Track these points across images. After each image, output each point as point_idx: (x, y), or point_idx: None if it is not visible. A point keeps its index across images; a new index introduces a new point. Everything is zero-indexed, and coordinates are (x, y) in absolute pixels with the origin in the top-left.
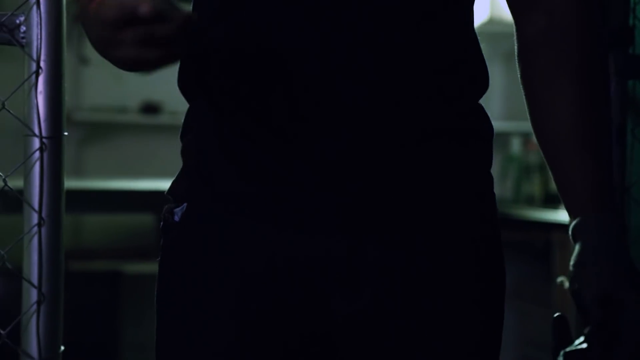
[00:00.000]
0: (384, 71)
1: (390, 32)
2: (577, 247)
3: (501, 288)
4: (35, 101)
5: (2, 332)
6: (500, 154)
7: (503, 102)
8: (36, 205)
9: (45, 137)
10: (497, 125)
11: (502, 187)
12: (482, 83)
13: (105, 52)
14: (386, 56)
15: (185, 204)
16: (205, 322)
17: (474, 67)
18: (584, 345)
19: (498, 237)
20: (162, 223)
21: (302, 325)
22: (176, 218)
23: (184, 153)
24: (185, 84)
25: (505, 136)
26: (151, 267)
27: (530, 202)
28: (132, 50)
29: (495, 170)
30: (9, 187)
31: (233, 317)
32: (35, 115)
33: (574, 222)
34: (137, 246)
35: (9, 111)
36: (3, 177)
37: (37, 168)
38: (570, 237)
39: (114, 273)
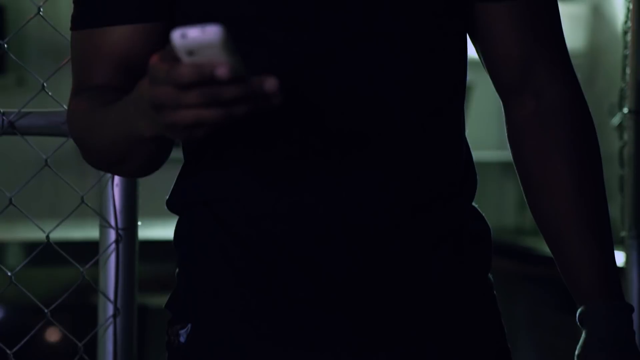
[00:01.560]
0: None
1: (392, 132)
2: (583, 335)
3: None
4: (111, 192)
5: None
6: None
7: None
8: (111, 296)
9: (120, 229)
10: None
11: (521, 218)
12: (474, 182)
13: (159, 117)
14: (391, 169)
15: (189, 325)
16: None
17: (469, 168)
18: None
19: (504, 338)
20: (167, 342)
21: None
22: (182, 339)
23: (182, 265)
24: (182, 193)
25: None
26: None
27: None
28: (192, 112)
29: (514, 200)
30: (87, 278)
31: None
32: (111, 207)
33: (581, 309)
34: (161, 276)
35: (87, 205)
36: (82, 270)
37: (112, 259)
38: (578, 324)
39: (139, 308)
